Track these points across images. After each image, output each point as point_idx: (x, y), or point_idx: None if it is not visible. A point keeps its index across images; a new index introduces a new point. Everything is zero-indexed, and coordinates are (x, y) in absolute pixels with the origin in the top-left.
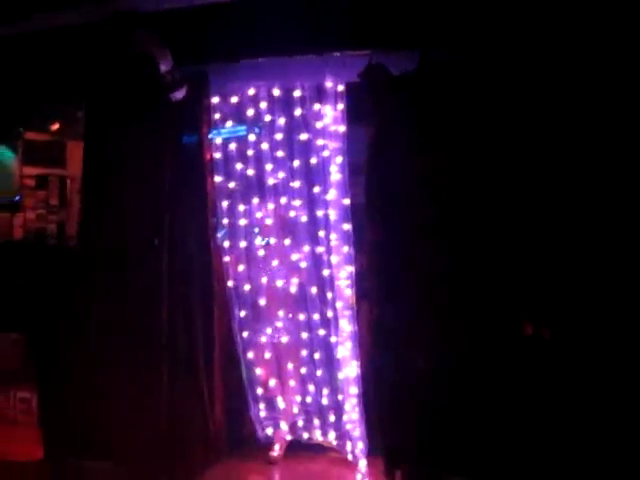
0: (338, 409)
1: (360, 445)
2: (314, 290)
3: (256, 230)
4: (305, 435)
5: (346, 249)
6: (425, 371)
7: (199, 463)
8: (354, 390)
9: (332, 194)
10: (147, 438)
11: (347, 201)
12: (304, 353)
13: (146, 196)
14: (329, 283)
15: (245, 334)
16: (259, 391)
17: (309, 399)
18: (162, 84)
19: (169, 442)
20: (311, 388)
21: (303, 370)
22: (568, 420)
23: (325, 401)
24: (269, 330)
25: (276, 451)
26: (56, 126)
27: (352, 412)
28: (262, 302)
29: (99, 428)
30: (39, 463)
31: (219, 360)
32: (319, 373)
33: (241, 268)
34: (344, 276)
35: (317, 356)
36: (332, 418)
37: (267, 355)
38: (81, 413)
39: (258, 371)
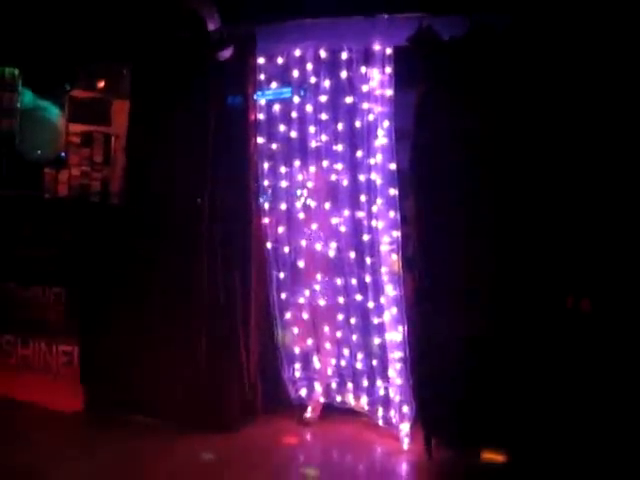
0: (372, 375)
1: (405, 409)
2: (352, 255)
3: (299, 192)
4: (338, 398)
5: (392, 214)
6: (467, 340)
7: (235, 420)
8: (398, 355)
9: (378, 158)
10: (185, 393)
11: (393, 166)
12: (340, 317)
13: (190, 156)
14: (369, 248)
15: (283, 295)
16: (296, 351)
17: (343, 363)
18: (209, 43)
19: (207, 397)
20: (346, 352)
21: (339, 334)
22: (606, 395)
23: (359, 365)
24: (307, 292)
25: (309, 413)
26: (102, 84)
27: (396, 377)
28: (301, 264)
29: (138, 382)
30: (78, 414)
31: (255, 320)
32: (355, 338)
33: (281, 230)
34: (388, 241)
35: (353, 321)
36: (365, 383)
37: (305, 316)
38: (120, 368)
39: (295, 330)
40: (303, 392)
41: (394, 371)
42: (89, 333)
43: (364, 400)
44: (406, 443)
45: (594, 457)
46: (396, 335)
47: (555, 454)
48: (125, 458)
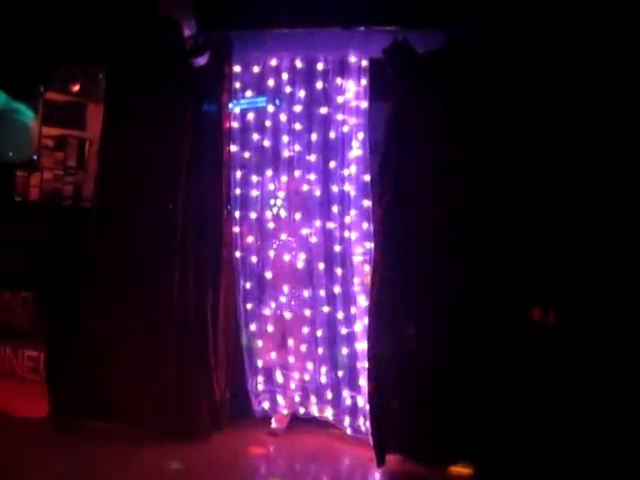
0: (337, 386)
1: None
2: (321, 266)
3: (272, 202)
4: (301, 410)
5: (365, 225)
6: (430, 353)
7: (203, 429)
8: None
9: (352, 170)
10: (153, 401)
11: (367, 177)
12: (306, 330)
13: (164, 162)
14: (339, 259)
15: (249, 306)
16: (259, 364)
17: (307, 377)
18: (185, 49)
19: (174, 406)
20: (310, 366)
21: (303, 347)
22: (571, 407)
23: (323, 379)
24: (273, 304)
25: (275, 424)
26: (77, 87)
27: (366, 386)
28: (268, 275)
29: (105, 389)
30: (43, 420)
31: (224, 329)
32: (320, 351)
33: (250, 239)
34: (361, 252)
35: (319, 333)
36: (329, 395)
37: (270, 328)
38: (88, 374)
39: (260, 343)
40: (266, 405)
41: (364, 379)
42: (56, 338)
43: (329, 412)
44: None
45: (558, 467)
46: (366, 345)
47: (520, 466)
48: (91, 465)
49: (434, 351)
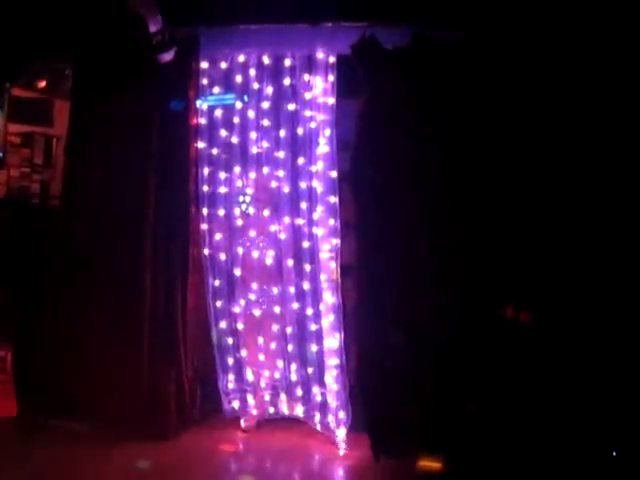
0: (307, 383)
1: (341, 414)
2: (290, 263)
3: (241, 199)
4: (271, 410)
5: (332, 222)
6: (406, 349)
7: (172, 428)
8: (335, 361)
9: (319, 166)
10: (122, 401)
11: (334, 174)
12: (275, 327)
13: (131, 159)
14: (308, 256)
15: (218, 304)
16: (229, 362)
17: (277, 375)
18: (151, 45)
19: (143, 405)
20: (280, 364)
21: (273, 345)
22: (544, 403)
23: (294, 377)
24: (242, 301)
25: (245, 422)
26: (43, 84)
27: (332, 383)
28: (237, 272)
29: (74, 388)
30: (11, 420)
31: (192, 328)
32: (290, 348)
33: (218, 237)
34: (328, 248)
35: (289, 330)
36: (299, 392)
37: (240, 326)
38: (56, 373)
39: (230, 340)
40: (236, 404)
41: (331, 377)
42: (23, 337)
43: (299, 409)
44: (343, 448)
45: (530, 463)
46: (333, 342)
47: (493, 462)
48: (59, 465)
49: (408, 347)
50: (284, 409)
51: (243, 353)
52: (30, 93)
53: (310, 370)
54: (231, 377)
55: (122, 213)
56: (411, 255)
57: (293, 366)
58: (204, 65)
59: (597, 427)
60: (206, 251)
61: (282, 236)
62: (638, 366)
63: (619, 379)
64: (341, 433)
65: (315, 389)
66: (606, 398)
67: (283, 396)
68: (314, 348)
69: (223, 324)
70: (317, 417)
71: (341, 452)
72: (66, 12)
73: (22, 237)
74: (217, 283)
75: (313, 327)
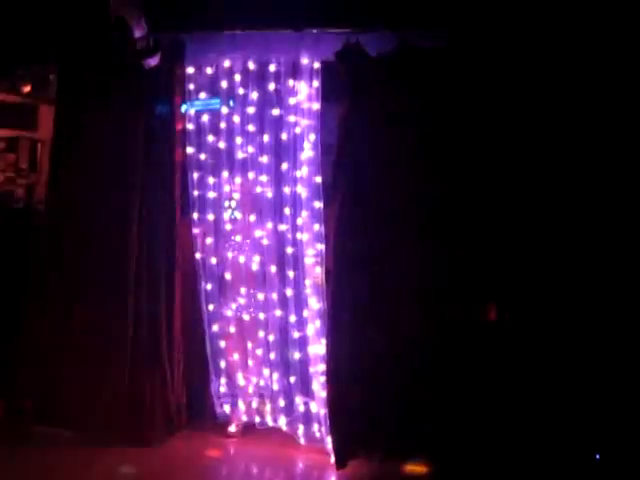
0: (290, 392)
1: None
2: (273, 269)
3: (227, 204)
4: (257, 419)
5: (317, 227)
6: (383, 354)
7: (158, 434)
8: (322, 368)
9: (304, 171)
10: (107, 407)
11: (319, 179)
12: (261, 334)
13: (116, 164)
14: (292, 261)
15: (211, 307)
16: (222, 365)
17: (262, 382)
18: (135, 50)
19: (129, 412)
20: (266, 372)
21: (259, 352)
22: (525, 403)
23: (275, 387)
24: (234, 305)
25: (233, 427)
26: (28, 88)
27: (320, 390)
28: (228, 276)
29: (57, 394)
30: None
31: (180, 332)
32: (272, 356)
33: (209, 241)
34: (312, 254)
35: (272, 338)
36: (282, 403)
37: (232, 329)
38: (40, 378)
39: (222, 344)
40: (227, 408)
41: (317, 384)
42: (6, 343)
43: (282, 421)
44: (333, 456)
45: (514, 468)
46: (319, 348)
47: (476, 465)
48: (44, 472)
49: (390, 352)
50: (269, 420)
51: (235, 356)
52: (15, 98)
53: (293, 379)
54: (223, 381)
55: (106, 218)
56: (393, 258)
57: (275, 375)
58: (190, 70)
59: (580, 431)
60: (198, 255)
61: (265, 242)
62: (622, 369)
63: (603, 383)
64: (329, 442)
65: (298, 399)
66: (590, 402)
67: (268, 407)
68: (297, 356)
69: (216, 327)
70: (301, 429)
71: (332, 460)
72: (50, 17)
73: (6, 242)
74: (209, 287)
75: (296, 334)
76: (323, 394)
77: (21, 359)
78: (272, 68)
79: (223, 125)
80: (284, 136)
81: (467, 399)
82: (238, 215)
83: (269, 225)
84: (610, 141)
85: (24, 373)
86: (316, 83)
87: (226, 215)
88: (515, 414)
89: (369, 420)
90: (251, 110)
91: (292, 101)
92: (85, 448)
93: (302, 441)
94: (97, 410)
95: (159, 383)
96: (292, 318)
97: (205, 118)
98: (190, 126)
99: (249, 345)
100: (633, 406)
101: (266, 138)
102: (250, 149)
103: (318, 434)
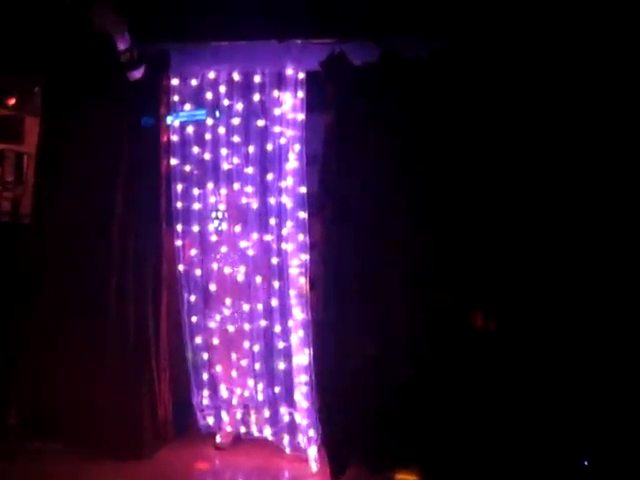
0: (275, 403)
1: (311, 432)
2: (258, 280)
3: (213, 215)
4: (243, 429)
5: (301, 237)
6: (371, 364)
7: (147, 447)
8: (304, 378)
9: (289, 182)
10: (95, 420)
11: (304, 189)
12: (246, 345)
13: (101, 176)
14: (277, 272)
15: (194, 319)
16: (204, 377)
17: (247, 393)
18: (119, 62)
19: (117, 424)
20: (251, 383)
21: (243, 362)
22: (515, 412)
23: (260, 397)
24: (218, 317)
25: (220, 438)
26: (13, 101)
27: (302, 401)
28: (212, 288)
29: (46, 408)
30: None
31: (166, 344)
32: (257, 366)
33: (193, 252)
34: (297, 264)
35: (257, 348)
36: (267, 413)
37: (215, 341)
38: (25, 390)
39: (205, 356)
40: (210, 420)
41: (300, 394)
42: None
43: (267, 431)
44: (315, 466)
45: (501, 471)
46: (302, 358)
47: (465, 471)
48: None
49: (378, 361)
50: (254, 430)
51: (218, 369)
52: (0, 111)
53: (277, 390)
54: (206, 393)
55: (90, 230)
56: (379, 268)
57: (260, 385)
58: (175, 82)
59: (568, 437)
60: (181, 267)
61: (251, 252)
62: (610, 375)
63: (591, 389)
64: (313, 451)
65: (283, 409)
66: (577, 408)
67: (253, 417)
68: (282, 366)
69: (198, 339)
70: (286, 439)
71: (314, 469)
72: (34, 30)
73: None
74: (192, 299)
75: (281, 344)
76: (305, 404)
77: (9, 376)
78: (257, 79)
79: (208, 136)
80: (269, 147)
81: (455, 408)
82: (224, 226)
83: (254, 236)
84: (599, 149)
85: (13, 388)
86: (301, 94)
87: (211, 226)
88: (505, 421)
89: (359, 429)
90: (236, 121)
91: (277, 112)
92: (74, 460)
93: (288, 451)
94: (87, 423)
95: (148, 396)
96: (277, 328)
97: (190, 130)
98: (175, 137)
99: (234, 356)
100: (620, 412)
101: (251, 149)
102: (235, 160)
103: (302, 444)
